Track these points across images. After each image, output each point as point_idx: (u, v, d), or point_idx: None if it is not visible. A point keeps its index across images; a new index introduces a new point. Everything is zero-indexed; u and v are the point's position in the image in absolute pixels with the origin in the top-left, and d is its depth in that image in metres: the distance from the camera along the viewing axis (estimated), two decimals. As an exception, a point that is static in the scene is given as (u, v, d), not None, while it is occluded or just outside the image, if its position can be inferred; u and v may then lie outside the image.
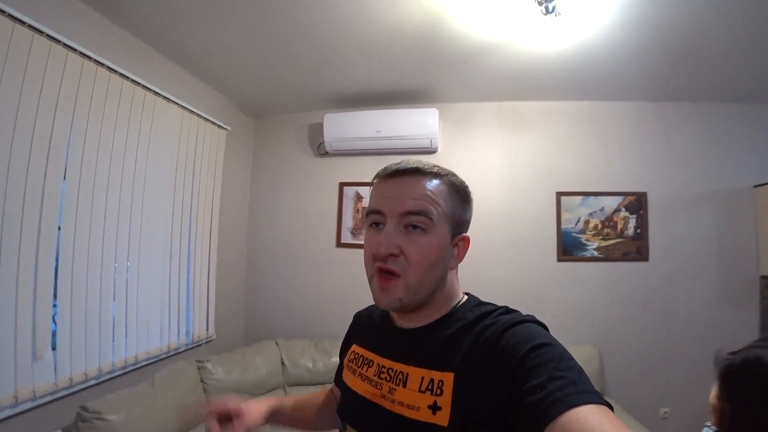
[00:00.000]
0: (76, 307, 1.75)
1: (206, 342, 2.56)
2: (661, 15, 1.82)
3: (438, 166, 0.69)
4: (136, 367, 2.04)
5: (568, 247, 2.77)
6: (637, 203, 2.71)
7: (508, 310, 0.66)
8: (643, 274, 2.66)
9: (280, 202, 3.15)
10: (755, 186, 2.61)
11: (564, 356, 0.54)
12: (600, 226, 2.74)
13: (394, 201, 0.65)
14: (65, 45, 1.64)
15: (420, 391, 0.62)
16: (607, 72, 2.40)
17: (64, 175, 1.71)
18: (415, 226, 0.65)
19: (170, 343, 2.25)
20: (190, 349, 2.42)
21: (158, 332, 2.19)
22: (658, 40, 2.03)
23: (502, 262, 2.80)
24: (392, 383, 0.66)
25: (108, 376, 1.88)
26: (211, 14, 1.89)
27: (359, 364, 0.75)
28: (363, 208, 3.05)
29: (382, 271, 0.65)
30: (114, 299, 1.96)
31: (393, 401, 0.64)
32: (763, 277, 2.56)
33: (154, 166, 2.17)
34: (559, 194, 2.81)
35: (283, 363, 2.55)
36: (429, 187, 0.66)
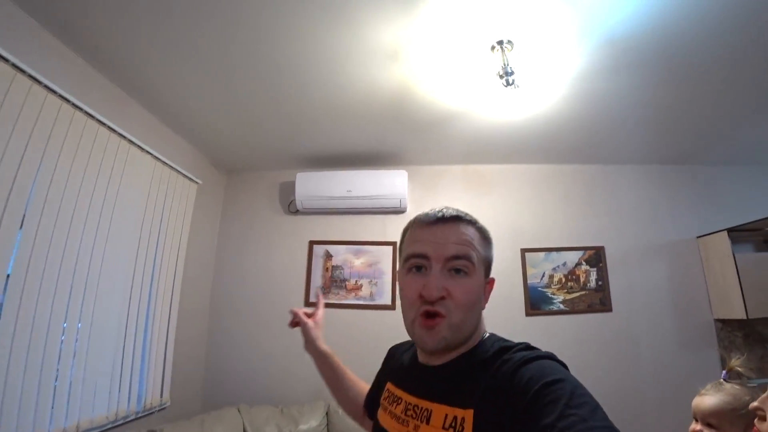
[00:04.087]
0: (12, 368, 1.52)
1: (159, 409, 2.29)
2: (605, 89, 2.09)
3: (469, 214, 0.75)
4: (76, 438, 1.77)
5: (536, 302, 2.83)
6: (596, 257, 2.88)
7: (527, 347, 0.67)
8: (608, 324, 2.75)
9: (248, 259, 3.07)
10: (698, 237, 2.89)
11: (576, 393, 0.53)
12: (564, 279, 2.86)
13: (439, 246, 0.69)
14: (46, 87, 1.62)
15: (444, 428, 0.62)
16: (561, 138, 2.66)
17: (21, 224, 1.59)
18: (458, 270, 0.68)
19: (118, 410, 1.99)
20: (142, 417, 2.16)
21: (106, 398, 1.95)
22: (604, 111, 2.31)
23: (472, 318, 2.79)
24: (417, 420, 0.67)
25: (42, 449, 1.62)
26: (191, 71, 1.96)
27: (390, 402, 0.77)
28: (332, 266, 3.02)
29: (428, 314, 0.66)
30: (59, 361, 1.74)
31: None
32: (717, 321, 2.73)
33: (120, 217, 2.08)
34: (524, 251, 2.93)
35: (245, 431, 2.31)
36: (468, 233, 0.71)
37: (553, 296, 2.84)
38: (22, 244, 1.60)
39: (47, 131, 1.68)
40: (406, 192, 2.91)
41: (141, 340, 2.21)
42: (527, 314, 2.81)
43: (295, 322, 1.06)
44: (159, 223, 2.36)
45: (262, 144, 2.80)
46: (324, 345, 1.03)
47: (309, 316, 1.08)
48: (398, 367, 0.84)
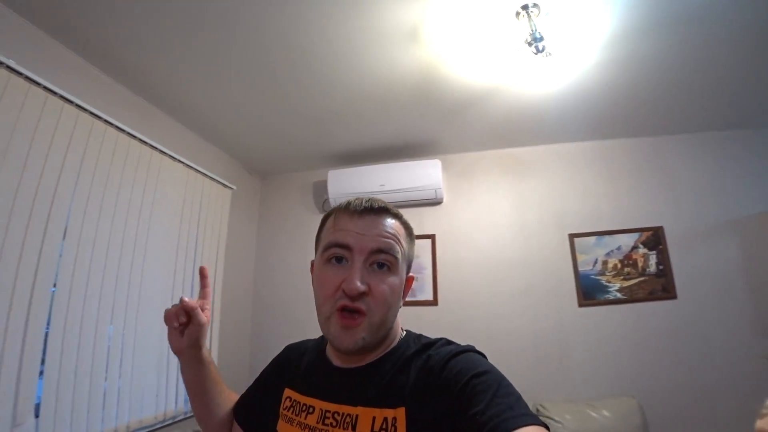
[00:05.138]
0: (65, 371, 1.62)
1: (206, 411, 2.34)
2: (645, 52, 1.88)
3: (396, 208, 0.72)
4: (126, 438, 1.84)
5: (589, 291, 2.62)
6: (655, 238, 2.61)
7: (448, 342, 0.67)
8: (673, 312, 2.46)
9: (286, 261, 3.08)
10: (775, 210, 2.51)
11: (502, 383, 0.56)
12: (619, 265, 2.62)
13: (364, 238, 0.65)
14: (77, 105, 1.69)
15: (373, 431, 0.59)
16: (602, 110, 2.44)
17: (63, 235, 1.68)
18: (381, 265, 0.65)
19: (166, 411, 2.06)
20: (189, 417, 2.21)
21: (154, 399, 2.01)
22: (645, 76, 2.08)
23: (517, 312, 2.63)
24: (340, 428, 0.62)
25: (94, 449, 1.68)
26: (215, 76, 1.98)
27: (297, 412, 0.69)
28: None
29: (345, 310, 0.62)
30: (107, 364, 1.82)
31: None
32: (805, 303, 2.35)
33: (157, 225, 2.15)
34: (572, 236, 2.72)
35: None
36: (394, 227, 0.68)
37: (608, 284, 2.61)
38: (65, 253, 1.68)
39: (82, 149, 1.75)
40: (441, 182, 2.81)
41: (186, 344, 2.27)
42: (580, 305, 2.60)
43: (185, 322, 0.74)
44: (196, 228, 2.42)
45: (292, 145, 2.80)
46: (205, 348, 0.81)
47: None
48: (301, 371, 0.75)
